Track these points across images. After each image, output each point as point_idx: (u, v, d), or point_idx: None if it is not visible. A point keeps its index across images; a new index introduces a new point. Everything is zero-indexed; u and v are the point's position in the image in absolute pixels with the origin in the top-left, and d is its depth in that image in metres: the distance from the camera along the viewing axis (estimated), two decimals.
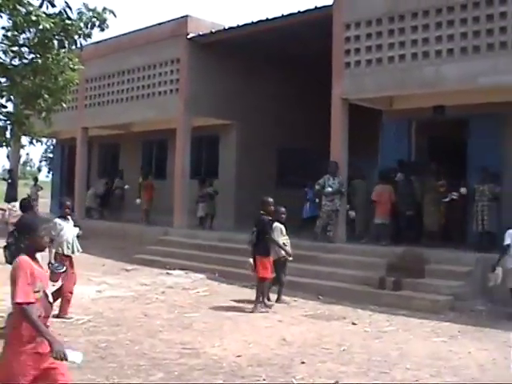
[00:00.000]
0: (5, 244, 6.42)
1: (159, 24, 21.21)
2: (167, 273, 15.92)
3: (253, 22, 18.25)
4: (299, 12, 17.05)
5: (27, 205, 11.68)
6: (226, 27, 19.53)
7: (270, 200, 11.87)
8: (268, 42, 18.80)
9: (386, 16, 14.79)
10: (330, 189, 15.38)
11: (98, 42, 20.82)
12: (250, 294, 12.68)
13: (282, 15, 17.59)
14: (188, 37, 19.90)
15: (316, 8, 16.61)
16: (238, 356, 8.56)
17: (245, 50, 20.11)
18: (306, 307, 12.14)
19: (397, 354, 8.95)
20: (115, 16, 9.90)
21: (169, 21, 20.85)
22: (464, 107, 15.50)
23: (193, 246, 18.08)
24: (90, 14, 9.81)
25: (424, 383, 7.63)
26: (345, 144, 15.86)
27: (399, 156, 16.91)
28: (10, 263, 5.09)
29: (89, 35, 9.93)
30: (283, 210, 12.44)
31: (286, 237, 12.42)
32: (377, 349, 9.20)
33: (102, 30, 10.01)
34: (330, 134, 15.89)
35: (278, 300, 12.47)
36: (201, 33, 19.82)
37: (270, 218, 12.03)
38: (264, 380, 7.58)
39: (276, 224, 12.20)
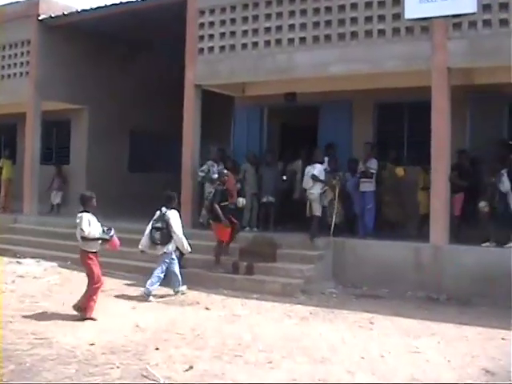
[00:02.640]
0: None
1: (11, 4, 20.10)
2: (18, 262, 15.27)
3: (107, 5, 17.72)
4: None
5: None
6: (79, 9, 18.89)
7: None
8: (123, 25, 18.28)
9: (240, 3, 14.82)
10: (215, 175, 15.11)
11: None
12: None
13: None
14: (39, 18, 19.05)
15: None
16: (92, 344, 8.36)
17: (98, 33, 19.45)
18: (160, 293, 12.04)
19: (250, 337, 9.04)
20: None
21: (21, 1, 19.87)
22: (315, 94, 15.92)
23: (44, 233, 17.49)
24: None
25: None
26: (197, 129, 15.79)
27: (251, 141, 17.09)
28: None
29: None
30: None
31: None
32: (230, 332, 9.25)
33: None
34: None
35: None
36: (52, 14, 19.03)
37: None
38: (118, 367, 7.44)
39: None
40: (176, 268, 11.97)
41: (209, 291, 12.38)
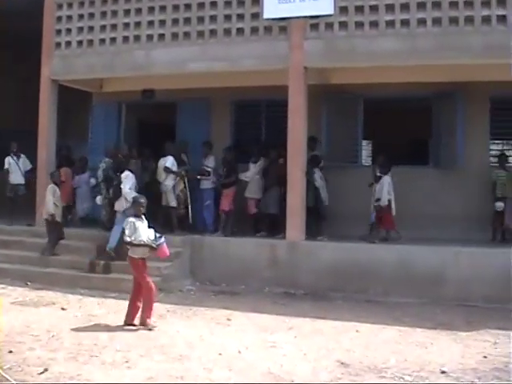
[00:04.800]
0: None
1: None
2: None
3: None
4: None
5: None
6: None
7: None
8: None
9: None
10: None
11: None
12: None
13: None
14: None
15: None
16: None
17: None
18: (15, 294, 11.63)
19: (107, 336, 8.88)
20: None
21: None
22: (174, 91, 15.83)
23: None
24: None
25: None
26: (53, 125, 15.38)
27: (109, 138, 16.79)
28: None
29: None
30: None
31: None
32: (86, 333, 9.08)
33: None
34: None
35: None
36: None
37: None
38: None
39: None
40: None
41: (65, 291, 12.07)
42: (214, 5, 13.55)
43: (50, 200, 13.69)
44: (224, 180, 14.34)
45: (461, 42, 12.14)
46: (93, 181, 15.62)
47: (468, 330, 9.82)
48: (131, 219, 9.53)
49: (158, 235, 9.57)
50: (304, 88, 13.05)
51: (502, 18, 11.96)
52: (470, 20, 12.07)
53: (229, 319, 10.15)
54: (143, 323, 9.37)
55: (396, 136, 18.16)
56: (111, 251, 13.08)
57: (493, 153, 15.34)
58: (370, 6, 12.60)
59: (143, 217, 9.69)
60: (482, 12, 12.01)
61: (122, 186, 13.30)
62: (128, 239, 9.44)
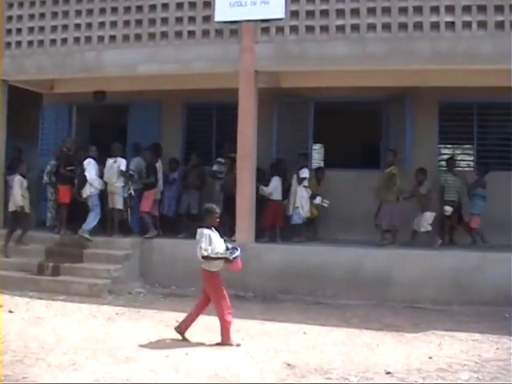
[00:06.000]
0: None
1: None
2: None
3: None
4: None
5: None
6: None
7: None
8: None
9: None
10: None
11: None
12: None
13: None
14: None
15: None
16: None
17: None
18: None
19: (54, 339, 8.83)
20: None
21: None
22: (125, 93, 15.78)
23: None
24: None
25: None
26: (3, 126, 15.15)
27: (60, 140, 16.60)
28: None
29: None
30: None
31: None
32: (34, 335, 8.99)
33: None
34: None
35: None
36: None
37: None
38: None
39: None
40: None
41: (13, 293, 11.94)
42: (165, 7, 13.52)
43: (17, 192, 13.73)
44: (144, 181, 14.41)
45: (410, 48, 12.32)
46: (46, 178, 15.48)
47: (414, 331, 9.95)
48: (206, 231, 8.82)
49: (230, 246, 8.95)
50: (254, 91, 13.11)
51: (451, 25, 12.16)
52: (419, 26, 12.25)
53: (177, 322, 10.10)
54: (225, 343, 8.80)
55: (348, 139, 18.32)
56: (85, 234, 13.46)
57: (442, 157, 15.58)
58: (321, 11, 12.71)
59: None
60: (431, 18, 12.20)
61: (86, 174, 13.69)
62: (205, 253, 8.72)
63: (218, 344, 8.74)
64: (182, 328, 9.01)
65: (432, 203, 13.74)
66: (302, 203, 13.90)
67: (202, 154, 15.21)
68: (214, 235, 8.89)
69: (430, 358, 8.41)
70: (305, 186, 14.01)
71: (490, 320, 10.67)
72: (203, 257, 8.75)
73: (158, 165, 14.64)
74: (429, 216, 13.60)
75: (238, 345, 8.75)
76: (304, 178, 13.97)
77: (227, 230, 13.29)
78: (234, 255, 8.73)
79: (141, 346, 8.62)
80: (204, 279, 8.99)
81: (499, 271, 11.81)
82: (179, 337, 9.01)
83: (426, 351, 8.73)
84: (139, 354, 8.19)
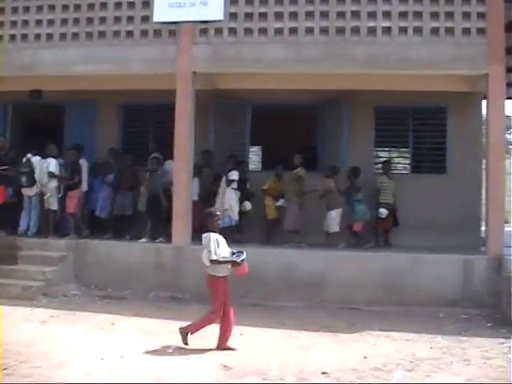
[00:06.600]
0: None
1: None
2: None
3: None
4: None
5: None
6: None
7: None
8: None
9: None
10: None
11: None
12: None
13: None
14: None
15: None
16: None
17: None
18: None
19: None
20: None
21: None
22: (61, 93, 15.50)
23: None
24: None
25: None
26: None
27: None
28: None
29: None
30: None
31: None
32: None
33: None
34: None
35: None
36: None
37: None
38: None
39: None
40: None
41: None
42: (103, 6, 13.39)
43: None
44: (68, 182, 14.25)
45: (346, 52, 12.50)
46: None
47: (350, 332, 10.08)
48: (214, 235, 8.73)
49: (235, 251, 8.89)
50: (191, 93, 13.10)
51: (387, 30, 12.37)
52: (356, 30, 12.43)
53: (113, 324, 10.07)
54: (222, 347, 8.78)
55: (285, 142, 18.43)
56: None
57: (378, 160, 15.82)
58: (260, 13, 12.78)
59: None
60: (368, 23, 12.39)
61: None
62: (214, 257, 8.60)
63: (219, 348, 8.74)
64: (220, 344, 8.81)
65: (334, 201, 13.94)
66: (231, 205, 13.94)
67: (137, 155, 15.10)
68: (221, 239, 8.84)
69: (365, 357, 8.53)
70: (233, 188, 14.03)
71: (423, 320, 10.89)
72: (211, 261, 8.66)
73: (83, 164, 14.64)
74: (334, 215, 13.83)
75: (234, 349, 8.80)
76: (233, 180, 13.99)
77: (150, 231, 13.54)
78: (241, 258, 8.70)
79: (76, 349, 8.52)
80: (210, 285, 8.89)
81: (431, 272, 12.04)
82: (114, 338, 8.97)
83: (361, 351, 8.85)
84: (74, 357, 8.11)
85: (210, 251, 8.61)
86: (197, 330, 8.83)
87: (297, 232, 13.80)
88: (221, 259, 8.66)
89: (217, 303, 8.84)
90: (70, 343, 8.79)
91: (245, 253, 8.83)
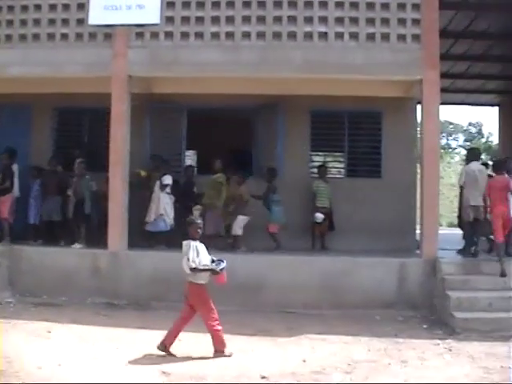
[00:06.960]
0: None
1: None
2: None
3: None
4: None
5: None
6: None
7: None
8: None
9: None
10: None
11: None
12: None
13: None
14: None
15: None
16: None
17: None
18: None
19: None
20: None
21: None
22: None
23: None
24: None
25: None
26: None
27: None
28: None
29: None
30: None
31: None
32: None
33: None
34: None
35: None
36: None
37: None
38: None
39: None
40: None
41: None
42: (38, 8, 13.17)
43: None
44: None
45: (282, 56, 12.59)
46: None
47: (288, 335, 10.13)
48: (194, 243, 8.74)
49: (215, 258, 8.91)
50: (127, 96, 13.02)
51: (324, 35, 12.51)
52: (292, 35, 12.53)
53: (49, 331, 9.90)
54: (220, 353, 8.76)
55: (221, 146, 18.41)
56: None
57: (313, 164, 15.93)
58: (196, 17, 12.78)
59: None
60: (305, 28, 12.51)
61: None
62: (193, 264, 8.58)
63: (215, 355, 8.75)
64: (165, 344, 8.77)
65: (244, 208, 14.07)
66: (166, 210, 13.88)
67: (65, 159, 14.88)
68: (201, 247, 8.82)
69: (304, 361, 8.59)
70: (167, 193, 13.99)
71: (360, 323, 11.03)
72: (191, 269, 8.62)
73: (15, 169, 14.42)
74: (240, 220, 13.96)
75: (231, 354, 8.79)
76: (167, 185, 13.95)
77: (77, 236, 13.49)
78: (221, 267, 8.72)
79: (11, 358, 8.31)
80: (190, 292, 8.84)
81: (367, 275, 12.21)
82: (50, 346, 8.82)
83: (299, 355, 8.90)
84: (10, 366, 7.92)
85: (188, 259, 8.61)
86: (218, 343, 8.82)
87: (218, 236, 13.79)
88: (201, 267, 8.66)
89: (205, 309, 8.82)
90: (5, 352, 8.57)
91: (225, 261, 8.85)
